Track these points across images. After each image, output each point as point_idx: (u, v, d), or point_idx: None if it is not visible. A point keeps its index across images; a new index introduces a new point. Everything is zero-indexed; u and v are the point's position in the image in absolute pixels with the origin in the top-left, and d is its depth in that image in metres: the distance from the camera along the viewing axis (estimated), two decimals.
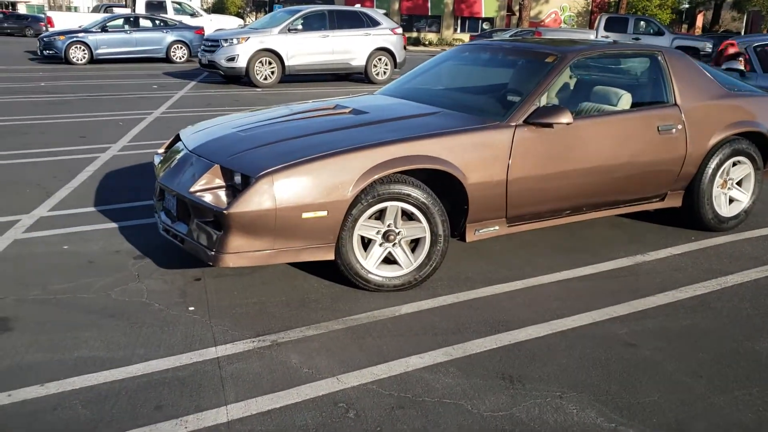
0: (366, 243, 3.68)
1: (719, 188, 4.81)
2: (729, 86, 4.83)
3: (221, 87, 13.76)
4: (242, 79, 13.83)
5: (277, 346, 3.12)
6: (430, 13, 46.35)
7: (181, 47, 19.48)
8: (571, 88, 4.90)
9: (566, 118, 3.87)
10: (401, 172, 3.62)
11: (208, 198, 3.46)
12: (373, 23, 14.98)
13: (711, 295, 3.80)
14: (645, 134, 4.29)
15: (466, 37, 40.54)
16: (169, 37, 19.22)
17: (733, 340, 3.27)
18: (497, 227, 4.03)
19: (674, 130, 4.40)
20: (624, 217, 5.18)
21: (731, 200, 4.92)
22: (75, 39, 18.01)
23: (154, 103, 11.03)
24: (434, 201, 3.62)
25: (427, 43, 45.60)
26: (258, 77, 13.58)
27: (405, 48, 15.58)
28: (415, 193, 3.59)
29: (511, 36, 28.87)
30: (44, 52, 18.20)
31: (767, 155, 4.95)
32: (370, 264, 3.67)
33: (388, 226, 3.67)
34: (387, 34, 15.07)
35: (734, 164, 4.84)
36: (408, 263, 3.72)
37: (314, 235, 3.45)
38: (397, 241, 3.70)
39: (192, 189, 3.54)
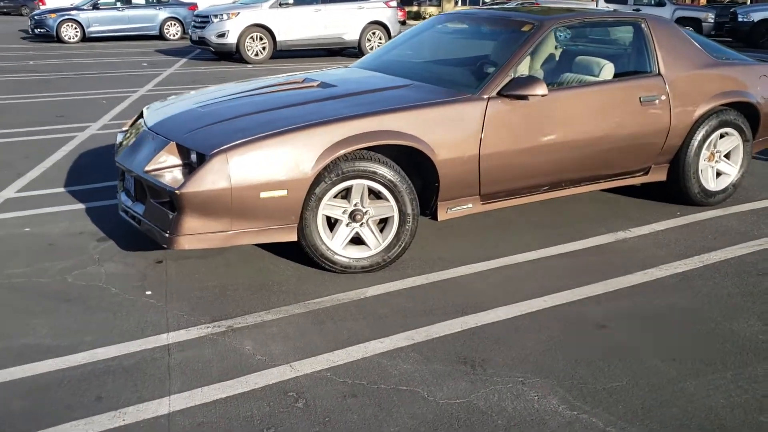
0: (333, 223, 3.54)
1: (706, 161, 4.63)
2: (717, 55, 4.64)
3: (212, 64, 13.55)
4: (234, 55, 13.62)
5: (232, 332, 2.99)
6: None
7: (175, 24, 19.22)
8: (556, 58, 4.70)
9: (541, 89, 3.69)
10: (367, 149, 3.46)
11: (163, 177, 3.31)
12: None
13: (692, 272, 3.65)
14: (626, 105, 4.11)
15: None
16: (162, 13, 18.95)
17: (711, 320, 3.12)
18: (471, 205, 3.87)
19: (657, 101, 4.22)
20: (608, 192, 5.02)
21: (719, 173, 4.75)
22: (66, 17, 17.77)
23: (140, 81, 10.85)
24: (402, 178, 3.47)
25: (428, 16, 45.10)
26: (249, 53, 13.36)
27: (404, 22, 15.27)
28: (382, 170, 3.43)
29: (512, 7, 28.45)
30: (36, 30, 17.98)
31: (757, 126, 4.75)
32: (336, 245, 3.52)
33: (355, 205, 3.52)
34: (381, 8, 14.80)
35: (722, 136, 4.66)
36: (376, 244, 3.58)
37: (274, 216, 3.30)
38: (364, 220, 3.55)
39: (147, 168, 3.39)
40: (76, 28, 17.93)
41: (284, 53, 15.03)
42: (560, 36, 4.72)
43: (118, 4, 18.53)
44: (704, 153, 4.59)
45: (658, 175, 4.54)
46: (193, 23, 13.97)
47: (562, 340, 2.94)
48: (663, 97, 4.24)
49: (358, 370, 2.70)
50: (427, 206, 3.83)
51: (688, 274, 3.63)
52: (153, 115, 3.89)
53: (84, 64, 13.08)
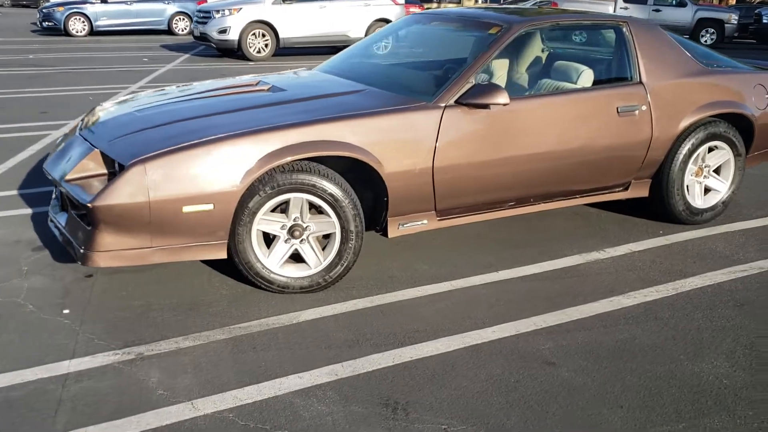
0: (273, 239, 3.27)
1: (693, 176, 4.30)
2: (707, 62, 4.30)
3: (213, 60, 13.34)
4: (236, 52, 13.39)
5: (141, 361, 2.73)
6: None
7: (183, 19, 19.07)
8: (530, 64, 4.39)
9: (502, 98, 3.39)
10: (307, 159, 3.18)
11: (82, 187, 3.05)
12: None
13: (662, 301, 3.33)
14: (602, 116, 3.79)
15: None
16: (171, 8, 18.80)
17: (672, 359, 2.81)
18: (425, 221, 3.58)
19: (637, 111, 3.89)
20: (590, 207, 4.69)
21: (707, 190, 4.41)
22: (74, 10, 17.68)
23: (134, 77, 10.66)
24: (345, 192, 3.18)
25: None
26: (251, 50, 13.12)
27: None
28: (322, 183, 3.15)
29: (528, 6, 27.92)
30: (44, 23, 17.92)
31: (751, 140, 4.40)
32: (272, 263, 3.25)
33: (294, 220, 3.24)
34: (387, 5, 14.50)
35: (710, 150, 4.31)
36: (317, 262, 3.30)
37: (200, 232, 3.04)
38: (305, 237, 3.27)
39: (68, 176, 3.14)
40: (83, 22, 17.82)
41: (287, 50, 14.79)
42: (534, 40, 4.40)
43: None
44: (691, 168, 4.25)
45: (640, 191, 4.21)
46: (195, 19, 13.77)
47: (503, 379, 2.64)
48: (643, 107, 3.91)
49: (265, 410, 2.43)
50: (378, 222, 3.54)
51: (657, 303, 3.31)
52: (92, 117, 3.65)
53: (84, 59, 12.93)
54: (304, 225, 3.26)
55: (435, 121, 3.38)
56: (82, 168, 3.16)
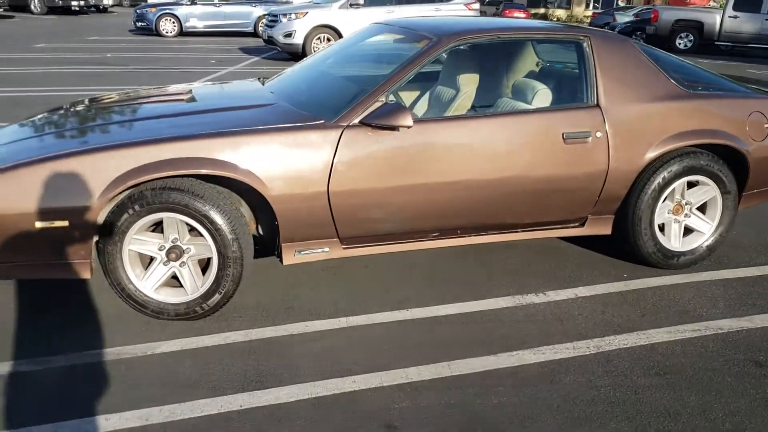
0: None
1: (671, 214, 3.76)
2: (688, 84, 3.74)
3: (279, 64, 13.41)
4: (301, 56, 13.40)
5: None
6: None
7: None
8: (475, 81, 3.99)
9: (404, 120, 3.05)
10: (187, 176, 2.97)
11: None
12: None
13: (572, 361, 2.88)
14: (541, 142, 3.36)
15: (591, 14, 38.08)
16: (257, 11, 19.14)
17: None
18: (328, 249, 3.28)
19: (590, 138, 3.42)
20: (561, 241, 4.22)
21: (690, 230, 3.84)
22: (165, 11, 18.33)
23: (192, 78, 10.84)
24: (224, 214, 2.95)
25: (555, 20, 43.48)
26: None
27: None
28: (195, 203, 2.93)
29: (631, 14, 26.55)
30: (137, 24, 18.68)
31: (746, 176, 3.80)
32: (147, 285, 3.06)
33: (173, 241, 3.03)
34: (460, 9, 14.08)
35: (693, 185, 3.75)
36: (194, 288, 3.09)
37: (57, 249, 2.88)
38: (185, 260, 3.05)
39: None
40: (174, 23, 18.45)
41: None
42: (520, 52, 3.99)
43: (216, 1, 18.89)
44: (667, 204, 3.73)
45: (600, 228, 3.72)
46: (265, 22, 13.91)
47: None
48: (598, 134, 3.44)
49: None
50: (275, 247, 3.28)
51: (564, 362, 2.86)
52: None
53: (157, 59, 13.32)
54: (184, 247, 3.04)
55: (332, 142, 3.07)
56: None
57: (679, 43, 20.37)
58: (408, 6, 13.60)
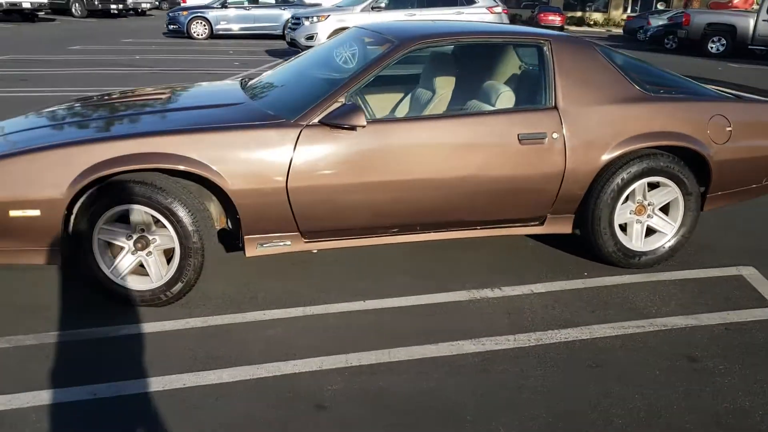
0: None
1: (633, 215, 3.84)
2: (650, 87, 3.82)
3: None
4: None
5: None
6: None
7: None
8: (434, 83, 4.13)
9: (358, 120, 3.22)
10: (154, 170, 3.18)
11: None
12: (468, 1, 14.14)
13: (509, 352, 3.01)
14: (497, 143, 3.48)
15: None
16: (287, 14, 19.44)
17: (458, 418, 2.52)
18: (289, 242, 3.46)
19: (546, 139, 3.54)
20: (529, 239, 4.33)
21: (652, 231, 3.93)
22: (197, 14, 18.77)
23: (211, 79, 11.12)
24: (185, 206, 3.15)
25: (591, 23, 43.07)
26: (337, 60, 13.26)
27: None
28: (157, 196, 3.13)
29: (665, 17, 26.23)
30: (169, 27, 19.16)
31: (709, 178, 3.87)
32: (115, 273, 3.27)
33: (140, 232, 3.24)
34: (482, 13, 14.18)
35: (654, 186, 3.84)
36: (159, 276, 3.29)
37: (30, 237, 3.11)
38: (151, 249, 3.26)
39: None
40: (204, 26, 18.88)
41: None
42: (447, 57, 4.13)
43: (246, 3, 19.27)
44: (628, 205, 3.82)
45: (560, 227, 3.83)
46: (289, 25, 14.18)
47: (253, 418, 2.49)
48: (555, 135, 3.55)
49: None
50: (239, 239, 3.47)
51: (502, 353, 2.99)
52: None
53: (182, 60, 13.68)
54: (150, 238, 3.25)
55: (291, 140, 3.25)
56: None
57: (711, 48, 20.09)
58: (429, 9, 13.74)
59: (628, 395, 2.69)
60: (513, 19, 42.24)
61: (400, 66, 3.86)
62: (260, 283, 3.63)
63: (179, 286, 3.28)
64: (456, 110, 3.82)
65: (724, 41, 19.89)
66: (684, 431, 2.48)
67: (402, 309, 3.37)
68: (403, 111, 4.47)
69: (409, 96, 4.58)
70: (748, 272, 3.91)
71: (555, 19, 36.03)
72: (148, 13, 32.94)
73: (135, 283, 3.30)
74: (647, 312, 3.40)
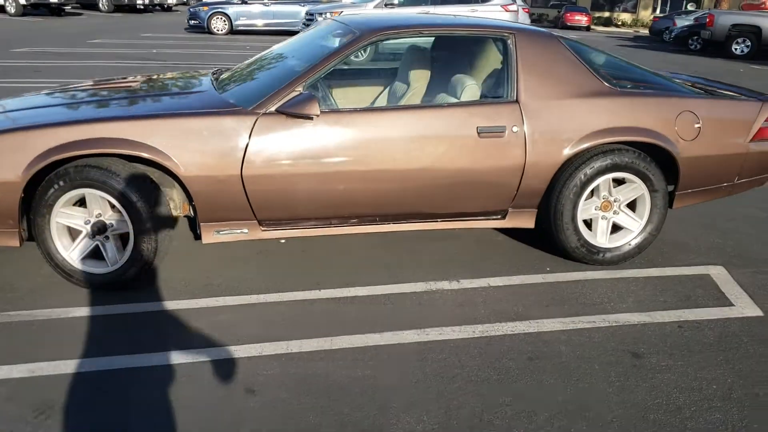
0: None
1: (599, 210, 3.82)
2: (617, 81, 3.79)
3: None
4: None
5: None
6: None
7: None
8: (400, 75, 4.14)
9: (312, 109, 3.25)
10: (110, 155, 3.24)
11: None
12: None
13: (451, 342, 3.02)
14: (455, 136, 3.48)
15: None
16: (305, 10, 19.48)
17: (363, 405, 2.53)
18: (246, 230, 3.50)
19: (505, 132, 3.53)
20: (500, 233, 4.32)
21: (618, 227, 3.90)
22: (217, 10, 18.93)
23: None
24: (138, 192, 3.19)
25: (619, 23, 42.60)
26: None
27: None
28: (111, 181, 3.18)
29: (692, 18, 25.84)
30: (190, 22, 19.35)
31: (677, 175, 3.83)
32: (73, 256, 3.34)
33: (97, 216, 3.30)
34: (497, 11, 14.10)
35: (620, 182, 3.81)
36: (115, 260, 3.35)
37: None
38: (108, 233, 3.32)
39: None
40: (224, 21, 19.04)
41: (386, 56, 14.81)
42: (422, 51, 4.13)
43: (265, 0, 19.37)
44: (594, 201, 3.79)
45: (523, 222, 3.82)
46: (303, 21, 14.25)
47: (179, 400, 2.53)
48: (515, 129, 3.54)
49: None
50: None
51: (444, 343, 3.00)
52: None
53: (196, 55, 13.82)
54: (107, 222, 3.31)
55: (247, 128, 3.28)
56: None
57: (735, 49, 19.77)
58: (444, 6, 13.70)
59: (561, 388, 2.67)
60: (539, 19, 42.01)
61: (385, 60, 3.88)
62: (221, 270, 3.67)
63: (134, 270, 3.33)
64: (424, 103, 3.82)
65: (748, 42, 19.55)
66: (608, 425, 2.46)
67: (356, 299, 3.38)
68: (381, 103, 4.48)
69: (387, 89, 4.59)
70: (716, 272, 3.85)
71: (581, 19, 35.71)
72: (174, 8, 33.31)
73: (92, 267, 3.36)
74: (601, 308, 3.37)
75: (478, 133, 3.49)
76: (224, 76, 4.10)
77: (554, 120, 3.58)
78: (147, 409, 2.47)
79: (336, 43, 3.74)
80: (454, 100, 3.69)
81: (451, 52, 4.20)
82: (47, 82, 9.50)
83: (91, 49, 14.01)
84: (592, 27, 37.58)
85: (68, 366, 2.72)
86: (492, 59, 3.89)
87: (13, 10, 22.63)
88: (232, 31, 19.29)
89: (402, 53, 4.64)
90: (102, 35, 17.53)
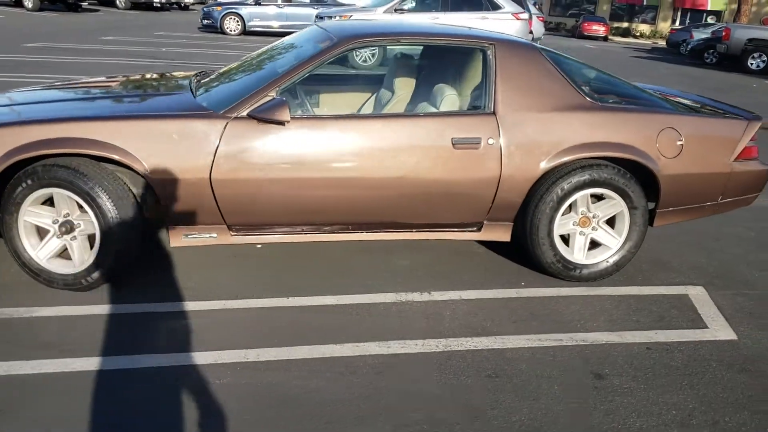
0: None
1: (577, 226, 3.76)
2: (599, 96, 3.73)
3: None
4: (344, 60, 13.65)
5: None
6: (644, 3, 42.93)
7: None
8: (385, 83, 4.10)
9: (282, 115, 3.23)
10: (77, 155, 3.23)
11: None
12: (494, 6, 14.02)
13: (412, 356, 2.98)
14: (429, 146, 3.44)
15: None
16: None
17: (241, 422, 2.49)
18: (215, 235, 3.47)
19: (481, 144, 3.48)
20: (480, 245, 4.27)
21: (597, 244, 3.84)
22: (230, 10, 18.99)
23: None
24: (108, 194, 3.18)
25: (638, 34, 42.34)
26: (356, 58, 13.31)
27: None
28: (78, 181, 3.17)
29: (709, 31, 25.57)
30: (203, 21, 19.42)
31: (658, 192, 3.76)
32: (40, 255, 3.32)
33: (65, 216, 3.29)
34: (507, 19, 14.02)
35: (599, 198, 3.75)
36: (81, 261, 3.33)
37: None
38: (76, 234, 3.31)
39: None
40: (237, 22, 19.10)
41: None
42: (407, 59, 4.09)
43: (279, 1, 19.42)
44: (571, 216, 3.74)
45: (499, 234, 3.77)
46: (314, 23, 14.23)
47: (70, 412, 2.50)
48: (491, 141, 3.49)
49: None
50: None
51: (405, 357, 2.96)
52: None
53: (205, 55, 13.86)
54: (75, 222, 3.29)
55: (217, 131, 3.26)
56: None
57: (751, 63, 19.59)
58: (453, 13, 13.66)
59: (516, 408, 2.62)
60: (557, 28, 41.83)
61: (379, 67, 3.85)
62: (193, 274, 3.64)
63: (100, 272, 3.31)
64: (407, 111, 3.79)
65: (765, 57, 19.35)
66: None
67: (323, 308, 3.35)
68: (366, 110, 4.45)
69: (374, 96, 4.57)
70: (695, 292, 3.78)
71: (599, 29, 35.52)
72: (191, 7, 33.47)
73: (59, 267, 3.34)
74: (572, 326, 3.32)
75: (453, 144, 3.45)
76: (205, 78, 4.08)
77: (531, 133, 3.53)
78: (84, 414, 2.44)
79: (314, 48, 3.70)
80: (433, 109, 3.65)
81: (436, 61, 4.17)
82: (51, 78, 9.55)
83: (102, 46, 14.08)
84: (610, 37, 37.34)
85: (24, 367, 2.70)
86: (472, 69, 3.84)
87: (30, 5, 22.82)
88: (245, 31, 19.33)
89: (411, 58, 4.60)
90: (115, 32, 17.63)
